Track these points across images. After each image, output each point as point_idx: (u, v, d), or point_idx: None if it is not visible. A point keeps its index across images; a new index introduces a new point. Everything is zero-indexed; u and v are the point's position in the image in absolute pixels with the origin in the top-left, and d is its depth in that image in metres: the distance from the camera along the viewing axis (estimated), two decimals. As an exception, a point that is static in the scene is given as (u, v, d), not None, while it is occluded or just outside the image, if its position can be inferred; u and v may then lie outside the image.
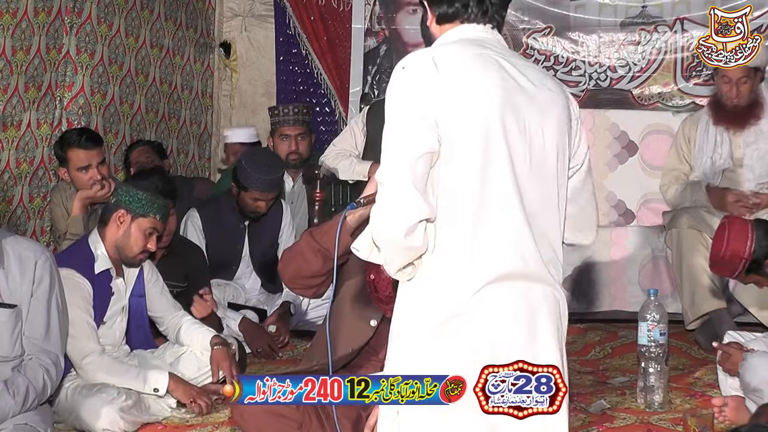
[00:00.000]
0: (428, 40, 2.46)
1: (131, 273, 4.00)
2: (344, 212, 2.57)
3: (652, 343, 3.78)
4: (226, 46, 6.59)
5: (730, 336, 3.72)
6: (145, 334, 4.10)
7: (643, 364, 3.78)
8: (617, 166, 5.59)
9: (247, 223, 5.07)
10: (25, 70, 4.93)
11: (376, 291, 3.03)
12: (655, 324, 3.78)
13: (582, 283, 5.13)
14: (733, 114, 4.86)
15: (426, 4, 2.44)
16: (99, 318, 3.86)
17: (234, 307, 4.94)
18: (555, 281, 2.32)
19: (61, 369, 3.39)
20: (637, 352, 3.88)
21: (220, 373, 3.99)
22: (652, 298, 3.86)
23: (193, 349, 4.06)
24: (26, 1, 4.86)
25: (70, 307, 3.60)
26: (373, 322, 3.06)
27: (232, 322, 4.78)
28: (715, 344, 3.63)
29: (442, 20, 2.41)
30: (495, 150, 2.24)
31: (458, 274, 2.23)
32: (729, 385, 3.61)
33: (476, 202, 2.23)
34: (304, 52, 6.44)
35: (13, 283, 3.27)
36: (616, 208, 5.56)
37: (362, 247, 2.31)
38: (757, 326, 4.43)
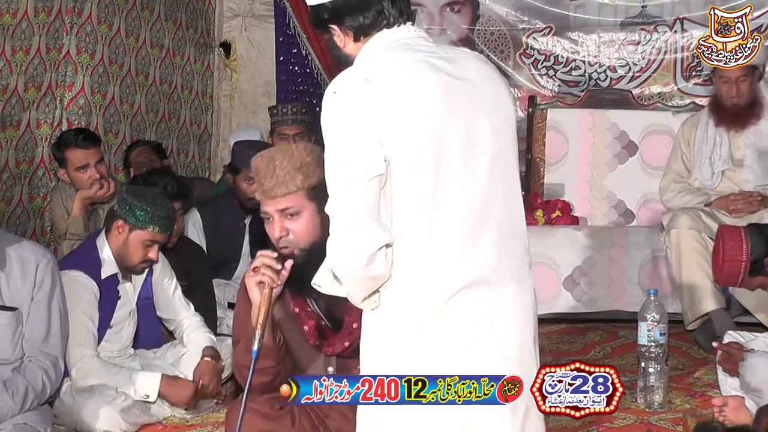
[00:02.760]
0: (347, 61, 2.29)
1: (139, 277, 3.97)
2: (251, 362, 2.41)
3: (652, 343, 3.77)
4: (226, 46, 6.58)
5: (730, 336, 3.72)
6: (155, 335, 4.08)
7: (643, 364, 3.78)
8: (617, 166, 5.61)
9: (247, 221, 5.06)
10: (25, 70, 4.93)
11: (314, 339, 2.83)
12: (655, 324, 3.78)
13: (582, 283, 5.13)
14: (733, 114, 4.84)
15: (336, 26, 2.28)
16: (106, 322, 3.82)
17: (234, 307, 4.93)
18: (522, 280, 2.25)
19: (60, 371, 3.40)
20: (637, 352, 3.88)
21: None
22: (652, 298, 3.86)
23: (193, 351, 4.03)
24: (26, 1, 4.87)
25: (74, 310, 3.58)
26: (331, 369, 2.86)
27: (231, 322, 4.77)
28: (715, 344, 3.63)
29: (359, 35, 2.26)
30: (447, 158, 2.15)
31: (418, 293, 2.14)
32: (729, 385, 3.61)
33: (429, 216, 2.13)
34: (304, 52, 6.43)
35: (14, 286, 3.27)
36: (616, 208, 5.57)
37: (323, 282, 2.23)
38: (757, 326, 4.43)
